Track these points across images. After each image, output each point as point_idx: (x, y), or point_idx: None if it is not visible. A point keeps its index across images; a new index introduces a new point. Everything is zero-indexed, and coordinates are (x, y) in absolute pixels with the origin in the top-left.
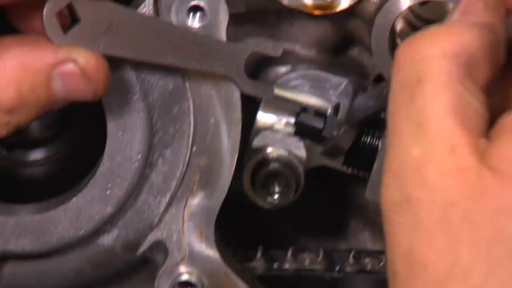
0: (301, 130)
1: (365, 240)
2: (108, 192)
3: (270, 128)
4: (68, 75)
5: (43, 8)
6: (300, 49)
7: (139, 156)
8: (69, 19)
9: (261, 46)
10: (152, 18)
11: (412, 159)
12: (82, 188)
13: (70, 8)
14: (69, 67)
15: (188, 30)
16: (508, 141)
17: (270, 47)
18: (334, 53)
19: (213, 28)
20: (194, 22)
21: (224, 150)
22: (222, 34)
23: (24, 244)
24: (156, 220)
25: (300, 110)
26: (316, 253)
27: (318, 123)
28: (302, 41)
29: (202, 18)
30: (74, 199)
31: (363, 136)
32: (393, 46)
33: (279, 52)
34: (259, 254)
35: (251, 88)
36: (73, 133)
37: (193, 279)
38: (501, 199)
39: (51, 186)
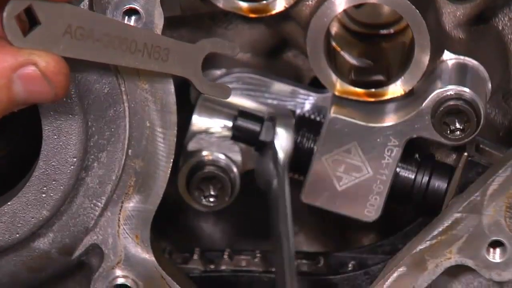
0: (238, 134)
1: (299, 243)
2: (43, 196)
3: (205, 132)
4: (28, 78)
5: (2, 12)
6: None
7: (74, 160)
8: (28, 22)
9: (218, 46)
10: (112, 20)
11: None
12: (18, 192)
13: (30, 11)
14: (30, 70)
15: (149, 32)
16: None
17: (227, 46)
18: (269, 56)
19: None
20: (130, 23)
21: (160, 153)
22: None
23: None
24: (91, 223)
25: (237, 113)
26: (252, 255)
27: (255, 127)
28: (237, 44)
29: (137, 21)
30: (9, 203)
31: (299, 140)
32: (328, 49)
33: (236, 52)
34: (196, 256)
35: (208, 89)
36: (7, 137)
37: (129, 282)
38: None
39: None
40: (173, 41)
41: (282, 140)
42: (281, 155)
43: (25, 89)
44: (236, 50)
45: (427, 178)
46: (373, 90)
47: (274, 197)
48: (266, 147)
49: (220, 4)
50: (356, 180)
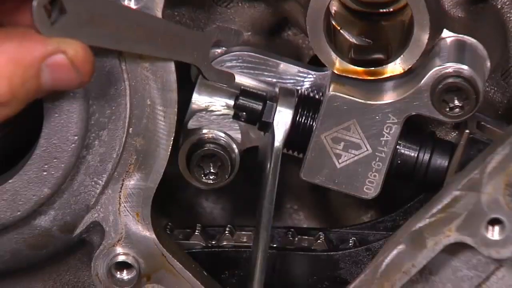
0: (240, 113)
1: (300, 220)
2: (44, 173)
3: (205, 110)
4: (57, 66)
5: (31, 1)
6: None
7: (75, 138)
8: (55, 11)
9: (224, 33)
10: (131, 9)
11: None
12: (19, 170)
13: (57, 0)
14: (59, 58)
15: (163, 20)
16: None
17: (232, 33)
18: (269, 35)
19: (150, 10)
20: (131, 3)
21: (160, 131)
22: (159, 16)
23: None
24: (92, 201)
25: (239, 92)
26: (253, 231)
27: (257, 106)
28: (237, 23)
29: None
30: (10, 181)
31: (298, 118)
32: (328, 28)
33: (241, 38)
34: (197, 232)
35: (215, 76)
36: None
37: (129, 260)
38: None
39: None
40: (185, 29)
41: (281, 120)
42: (278, 137)
43: (53, 77)
44: (241, 37)
45: (428, 156)
46: (372, 68)
47: (265, 180)
48: (267, 128)
49: None
50: (355, 158)
